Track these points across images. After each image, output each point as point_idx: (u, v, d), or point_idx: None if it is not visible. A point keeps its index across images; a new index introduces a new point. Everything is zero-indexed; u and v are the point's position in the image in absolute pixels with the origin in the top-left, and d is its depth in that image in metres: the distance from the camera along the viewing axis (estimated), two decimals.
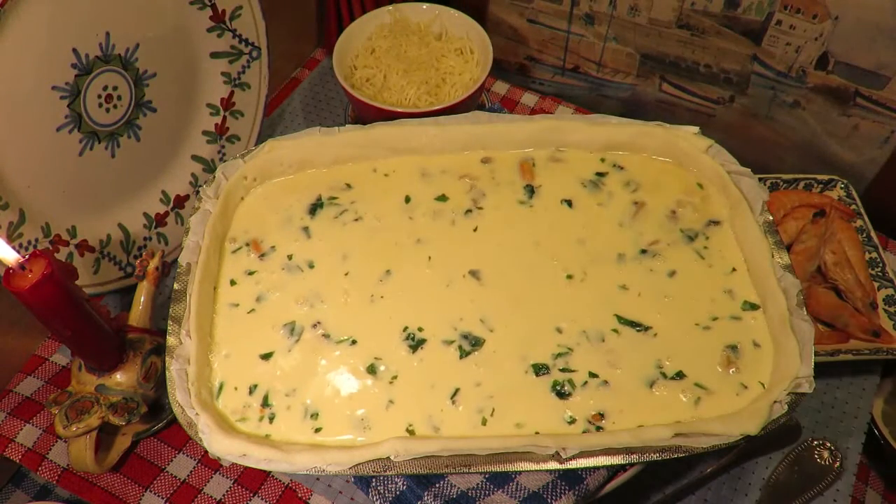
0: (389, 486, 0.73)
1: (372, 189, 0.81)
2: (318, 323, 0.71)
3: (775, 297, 0.68)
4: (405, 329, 0.71)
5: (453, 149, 0.82)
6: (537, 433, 0.64)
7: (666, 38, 1.08)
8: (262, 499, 0.80)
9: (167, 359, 0.66)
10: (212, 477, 0.81)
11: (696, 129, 0.80)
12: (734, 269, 0.73)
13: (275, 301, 0.73)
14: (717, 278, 0.73)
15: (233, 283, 0.74)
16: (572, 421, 0.65)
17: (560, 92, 1.24)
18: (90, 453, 0.75)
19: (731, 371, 0.67)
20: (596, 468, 0.69)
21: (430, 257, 0.75)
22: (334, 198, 0.80)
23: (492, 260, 0.75)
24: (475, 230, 0.77)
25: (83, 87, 0.78)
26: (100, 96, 0.80)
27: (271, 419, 0.66)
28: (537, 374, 0.68)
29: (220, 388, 0.68)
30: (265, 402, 0.67)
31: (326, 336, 0.71)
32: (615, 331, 0.70)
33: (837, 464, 0.81)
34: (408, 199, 0.79)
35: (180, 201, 0.94)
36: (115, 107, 0.82)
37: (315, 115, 1.14)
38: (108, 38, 0.78)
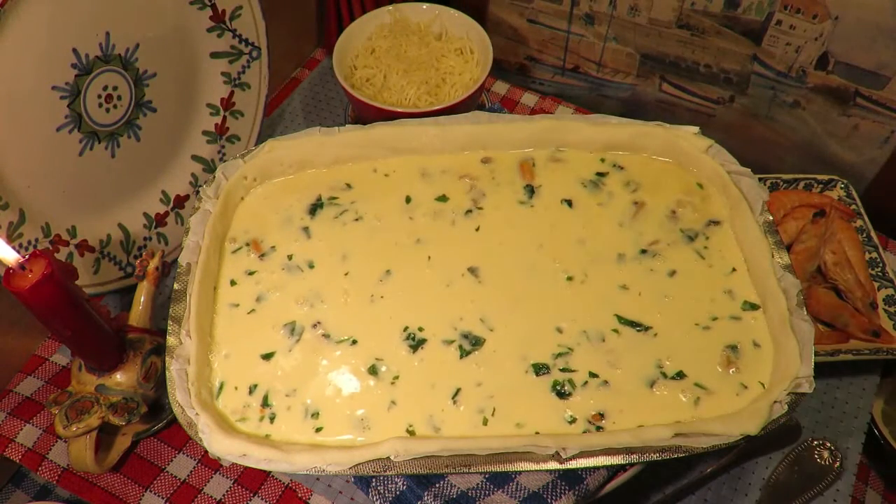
0: (389, 486, 0.73)
1: (372, 189, 0.81)
2: (318, 323, 0.71)
3: (775, 297, 0.68)
4: (405, 329, 0.71)
5: (453, 149, 0.82)
6: (537, 433, 0.64)
7: (666, 38, 1.08)
8: (262, 499, 0.80)
9: (167, 359, 0.66)
10: (212, 477, 0.81)
11: (696, 129, 0.80)
12: (734, 270, 0.73)
13: (275, 301, 0.73)
14: (717, 278, 0.73)
15: (233, 283, 0.74)
16: (572, 421, 0.65)
17: (560, 92, 1.24)
18: (90, 453, 0.75)
19: (731, 371, 0.67)
20: (596, 468, 0.69)
21: (429, 257, 0.75)
22: (334, 198, 0.80)
23: (492, 260, 0.75)
24: (476, 230, 0.77)
25: (83, 87, 0.78)
26: (100, 96, 0.80)
27: (272, 419, 0.66)
28: (537, 374, 0.68)
29: (220, 388, 0.68)
30: (265, 402, 0.67)
31: (326, 336, 0.71)
32: (615, 331, 0.70)
33: (837, 464, 0.81)
34: (408, 200, 0.79)
35: (180, 201, 0.94)
36: (115, 107, 0.82)
37: (315, 115, 1.14)
38: (108, 38, 0.78)
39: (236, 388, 0.68)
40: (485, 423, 0.65)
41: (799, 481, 0.81)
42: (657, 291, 0.72)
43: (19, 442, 0.82)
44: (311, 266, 0.75)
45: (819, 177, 0.99)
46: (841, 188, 0.98)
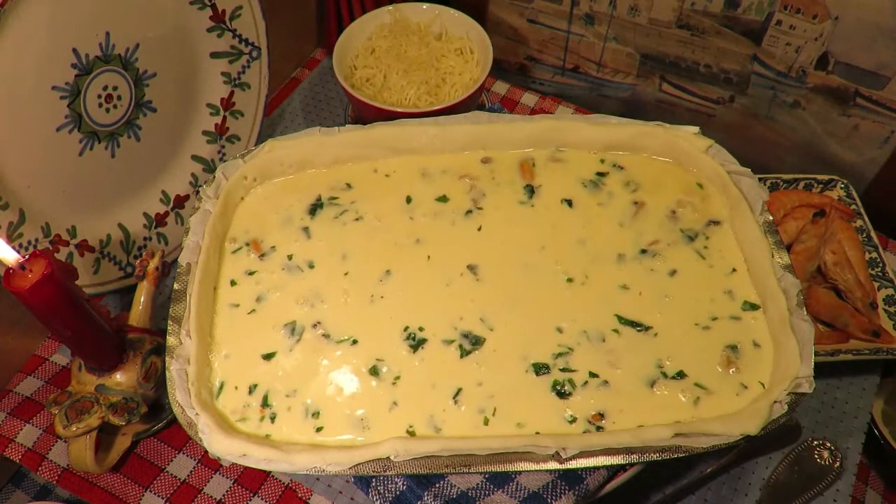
0: (389, 486, 0.73)
1: (372, 189, 0.81)
2: (319, 323, 0.71)
3: (775, 297, 0.68)
4: (406, 329, 0.71)
5: (453, 149, 0.82)
6: (537, 433, 0.64)
7: (666, 38, 1.08)
8: (262, 499, 0.80)
9: (167, 359, 0.66)
10: (212, 477, 0.81)
11: (696, 129, 0.80)
12: (734, 270, 0.73)
13: (275, 301, 0.73)
14: (718, 278, 0.73)
15: (233, 283, 0.74)
16: (573, 420, 0.65)
17: (560, 92, 1.24)
18: (90, 453, 0.75)
19: (731, 371, 0.67)
20: (596, 468, 0.69)
21: (429, 256, 0.75)
22: (334, 198, 0.80)
23: (492, 260, 0.75)
24: (476, 230, 0.77)
25: (83, 87, 0.78)
26: (100, 96, 0.80)
27: (272, 419, 0.66)
28: (538, 374, 0.68)
29: (220, 388, 0.68)
30: (265, 403, 0.67)
31: (327, 336, 0.71)
32: (615, 331, 0.70)
33: (837, 464, 0.81)
34: (409, 200, 0.79)
35: (180, 201, 0.94)
36: (115, 107, 0.82)
37: (315, 115, 1.14)
38: (108, 38, 0.78)
39: (236, 387, 0.68)
40: (486, 422, 0.65)
41: (799, 481, 0.81)
42: (657, 291, 0.72)
43: (19, 442, 0.82)
44: (311, 266, 0.75)
45: (819, 177, 0.99)
46: (841, 188, 0.98)
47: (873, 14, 0.92)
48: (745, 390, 0.66)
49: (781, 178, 0.99)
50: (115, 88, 0.81)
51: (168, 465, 0.82)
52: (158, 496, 0.80)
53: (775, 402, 0.62)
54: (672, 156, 0.81)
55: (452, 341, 0.70)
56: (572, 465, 0.61)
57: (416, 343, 0.70)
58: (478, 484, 0.72)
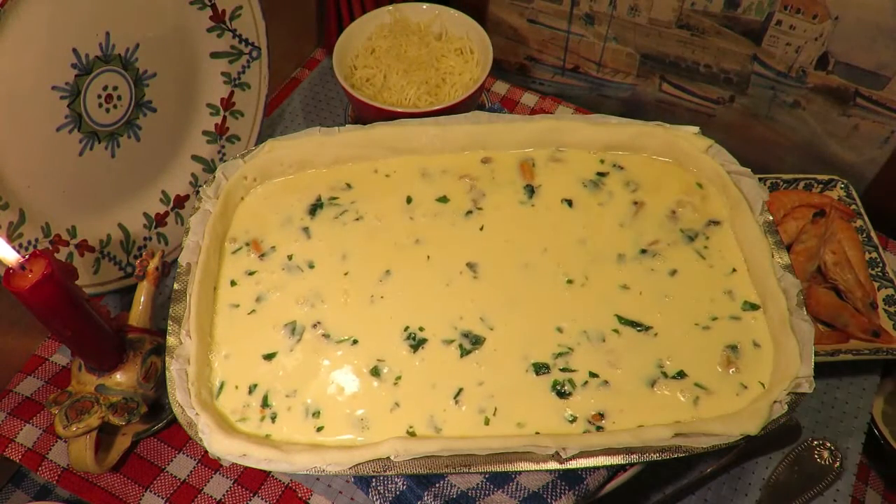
0: (389, 486, 0.73)
1: (372, 189, 0.81)
2: (319, 323, 0.71)
3: (775, 297, 0.68)
4: (406, 329, 0.71)
5: (453, 149, 0.82)
6: (537, 433, 0.64)
7: (666, 38, 1.08)
8: (262, 499, 0.80)
9: (167, 359, 0.66)
10: (212, 477, 0.81)
11: (696, 129, 0.80)
12: (734, 270, 0.73)
13: (275, 301, 0.73)
14: (718, 278, 0.73)
15: (233, 283, 0.74)
16: (573, 420, 0.65)
17: (560, 92, 1.24)
18: (90, 453, 0.75)
19: (731, 371, 0.67)
20: (596, 468, 0.69)
21: (428, 256, 0.75)
22: (334, 198, 0.80)
23: (491, 259, 0.75)
24: (476, 230, 0.77)
25: (83, 87, 0.78)
26: (100, 96, 0.80)
27: (273, 419, 0.66)
28: (538, 374, 0.68)
29: (221, 388, 0.68)
30: (265, 403, 0.67)
31: (327, 336, 0.71)
32: (615, 331, 0.70)
33: (837, 464, 0.81)
34: (409, 200, 0.79)
35: (180, 201, 0.94)
36: (115, 107, 0.82)
37: (315, 115, 1.14)
38: (108, 38, 0.78)
39: (236, 387, 0.68)
40: (486, 422, 0.65)
41: (799, 481, 0.81)
42: (657, 291, 0.72)
43: (19, 442, 0.82)
44: (311, 266, 0.75)
45: (819, 177, 0.99)
46: (841, 188, 0.98)
47: (873, 14, 0.92)
48: (745, 390, 0.66)
49: (781, 178, 0.99)
50: (115, 88, 0.81)
51: (168, 465, 0.82)
52: (158, 496, 0.80)
53: (775, 402, 0.62)
54: (672, 156, 0.81)
55: (452, 341, 0.70)
56: (572, 465, 0.61)
57: (417, 343, 0.70)
58: (478, 484, 0.72)
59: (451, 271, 0.74)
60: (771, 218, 0.72)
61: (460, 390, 0.67)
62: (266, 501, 0.80)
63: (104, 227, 0.87)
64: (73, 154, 0.80)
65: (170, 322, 0.68)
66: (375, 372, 0.68)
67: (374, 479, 0.74)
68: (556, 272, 0.74)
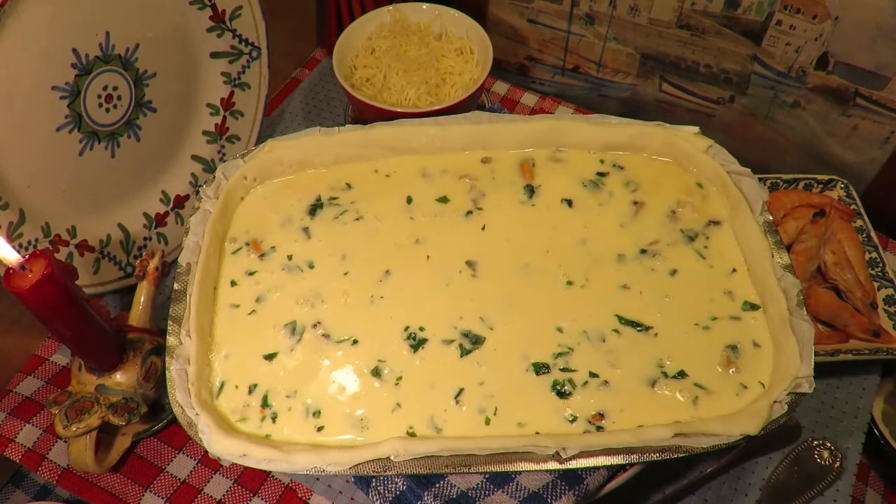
0: (389, 486, 0.73)
1: (372, 189, 0.81)
2: (319, 323, 0.71)
3: (775, 297, 0.68)
4: (406, 329, 0.71)
5: (453, 149, 0.82)
6: (537, 433, 0.64)
7: (666, 38, 1.08)
8: (262, 499, 0.80)
9: (167, 359, 0.66)
10: (212, 477, 0.81)
11: (696, 129, 0.80)
12: (734, 270, 0.73)
13: (275, 301, 0.73)
14: (718, 278, 0.73)
15: (233, 283, 0.74)
16: (573, 420, 0.65)
17: (560, 92, 1.24)
18: (90, 453, 0.75)
19: (731, 371, 0.67)
20: (596, 468, 0.69)
21: (428, 256, 0.75)
22: (334, 198, 0.80)
23: (491, 259, 0.75)
24: (476, 230, 0.77)
25: (83, 87, 0.78)
26: (100, 96, 0.80)
27: (273, 419, 0.66)
28: (538, 374, 0.68)
29: (221, 388, 0.68)
30: (265, 403, 0.67)
31: (326, 336, 0.71)
32: (616, 331, 0.70)
33: (837, 464, 0.81)
34: (409, 200, 0.79)
35: (180, 201, 0.94)
36: (115, 107, 0.82)
37: (315, 115, 1.14)
38: (108, 38, 0.78)
39: (236, 387, 0.68)
40: (487, 422, 0.65)
41: (799, 481, 0.81)
42: (657, 291, 0.72)
43: (19, 442, 0.82)
44: (311, 266, 0.75)
45: (819, 177, 0.99)
46: (841, 188, 0.98)
47: (873, 14, 0.92)
48: (745, 390, 0.66)
49: (781, 178, 0.99)
50: (115, 88, 0.81)
51: (168, 465, 0.82)
52: (158, 496, 0.80)
53: (775, 402, 0.62)
54: (672, 156, 0.81)
55: (452, 341, 0.70)
56: (572, 465, 0.61)
57: (417, 343, 0.70)
58: (478, 484, 0.72)
59: (450, 271, 0.74)
60: (771, 218, 0.72)
61: (461, 390, 0.67)
62: (266, 501, 0.80)
63: (104, 227, 0.87)
64: (73, 154, 0.80)
65: (170, 322, 0.68)
66: (376, 372, 0.68)
67: (374, 479, 0.74)
68: (556, 272, 0.74)
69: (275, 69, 0.99)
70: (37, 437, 0.83)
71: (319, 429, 0.65)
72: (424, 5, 1.03)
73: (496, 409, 0.66)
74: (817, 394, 0.88)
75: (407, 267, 0.75)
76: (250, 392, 0.68)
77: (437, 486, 0.72)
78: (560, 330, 0.70)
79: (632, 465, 0.71)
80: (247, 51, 0.94)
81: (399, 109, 0.90)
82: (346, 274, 0.75)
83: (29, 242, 0.77)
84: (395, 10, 1.03)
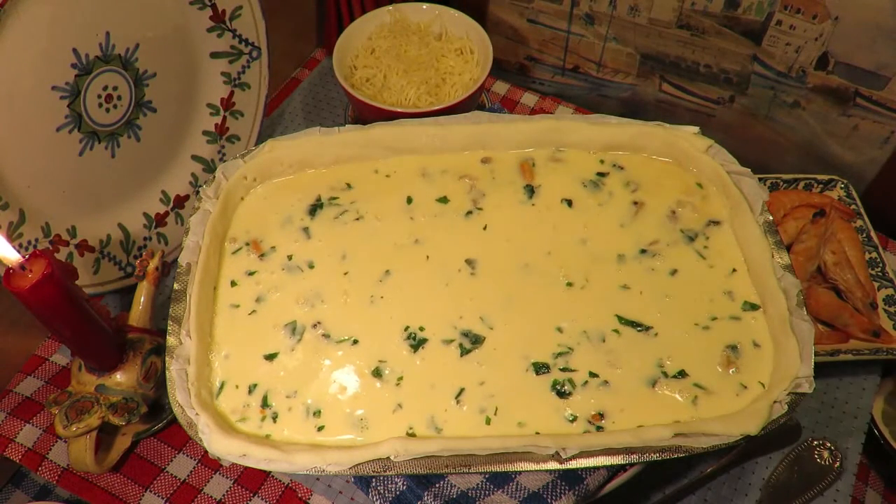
0: (389, 486, 0.73)
1: (372, 189, 0.81)
2: (319, 323, 0.71)
3: (775, 297, 0.68)
4: (406, 328, 0.71)
5: (453, 149, 0.82)
6: (537, 433, 0.64)
7: (666, 39, 1.08)
8: (262, 499, 0.80)
9: (167, 359, 0.66)
10: (212, 477, 0.81)
11: (696, 129, 0.80)
12: (734, 270, 0.73)
13: (275, 301, 0.73)
14: (718, 278, 0.73)
15: (233, 283, 0.74)
16: (573, 419, 0.65)
17: (560, 92, 1.24)
18: (90, 453, 0.75)
19: (731, 371, 0.67)
20: (596, 468, 0.69)
21: (427, 256, 0.75)
22: (335, 198, 0.80)
23: (491, 259, 0.75)
24: (476, 230, 0.77)
25: (83, 87, 0.78)
26: (100, 96, 0.80)
27: (274, 418, 0.66)
28: (538, 373, 0.68)
29: (221, 388, 0.68)
30: (265, 403, 0.67)
31: (326, 336, 0.71)
32: (616, 331, 0.70)
33: (837, 464, 0.81)
34: (409, 200, 0.79)
35: (180, 201, 0.94)
36: (115, 107, 0.82)
37: (315, 115, 1.14)
38: (108, 38, 0.78)
39: (237, 387, 0.68)
40: (488, 422, 0.65)
41: (799, 481, 0.81)
42: (657, 291, 0.72)
43: (19, 442, 0.82)
44: (311, 266, 0.75)
45: (819, 177, 0.99)
46: (841, 188, 0.98)
47: (873, 14, 0.92)
48: (745, 390, 0.66)
49: (781, 178, 0.99)
50: (115, 88, 0.81)
51: (168, 465, 0.82)
52: (158, 496, 0.80)
53: (775, 402, 0.62)
54: (672, 156, 0.81)
55: (452, 341, 0.70)
56: (572, 465, 0.61)
57: (417, 343, 0.70)
58: (478, 484, 0.72)
59: (450, 271, 0.74)
60: (771, 218, 0.72)
61: (462, 390, 0.67)
62: (266, 501, 0.80)
63: (104, 227, 0.87)
64: (73, 154, 0.80)
65: (170, 322, 0.68)
66: (377, 373, 0.68)
67: (374, 479, 0.74)
68: (556, 272, 0.74)
69: (275, 69, 0.99)
70: (37, 437, 0.83)
71: (319, 429, 0.65)
72: (424, 5, 1.03)
73: (496, 408, 0.66)
74: (817, 394, 0.88)
75: (407, 267, 0.75)
76: (250, 392, 0.68)
77: (437, 486, 0.72)
78: (560, 330, 0.70)
79: (632, 465, 0.71)
80: (247, 51, 0.94)
81: (399, 109, 0.90)
82: (346, 274, 0.75)
83: (29, 242, 0.77)
84: (395, 10, 1.03)
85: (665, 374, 0.67)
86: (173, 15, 0.85)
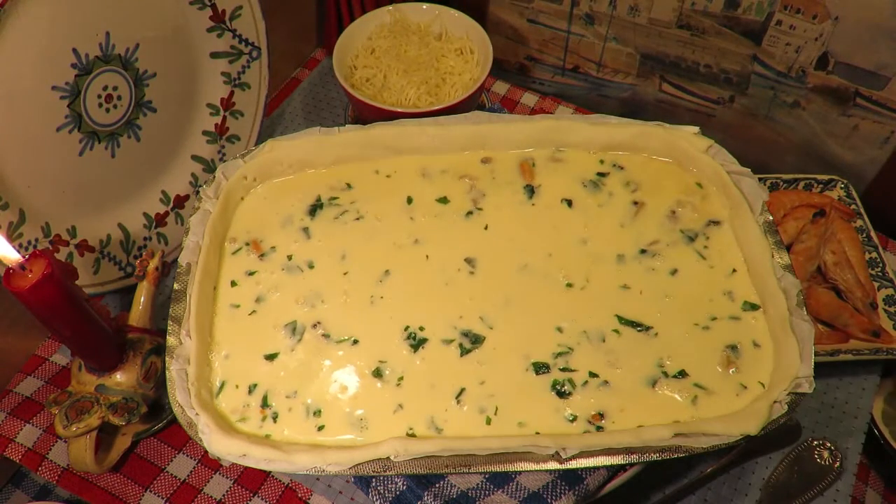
0: (389, 486, 0.73)
1: (372, 189, 0.81)
2: (319, 323, 0.71)
3: (775, 297, 0.68)
4: (406, 328, 0.71)
5: (453, 149, 0.82)
6: (537, 433, 0.64)
7: (666, 39, 1.08)
8: (262, 499, 0.80)
9: (167, 359, 0.66)
10: (212, 477, 0.81)
11: (696, 129, 0.80)
12: (734, 270, 0.73)
13: (275, 301, 0.73)
14: (718, 278, 0.73)
15: (233, 283, 0.74)
16: (573, 419, 0.65)
17: (560, 92, 1.24)
18: (90, 453, 0.75)
19: (731, 371, 0.67)
20: (596, 468, 0.69)
21: (427, 256, 0.75)
22: (335, 198, 0.80)
23: (491, 259, 0.75)
24: (476, 230, 0.77)
25: (83, 87, 0.78)
26: (100, 96, 0.80)
27: (275, 418, 0.66)
28: (537, 373, 0.68)
29: (221, 388, 0.68)
30: (264, 403, 0.67)
31: (326, 336, 0.71)
32: (616, 331, 0.70)
33: (837, 464, 0.81)
34: (409, 200, 0.79)
35: (180, 201, 0.94)
36: (115, 107, 0.82)
37: (315, 115, 1.14)
38: (108, 38, 0.78)
39: (237, 387, 0.68)
40: (488, 422, 0.65)
41: (799, 481, 0.81)
42: (658, 291, 0.72)
43: (19, 442, 0.82)
44: (311, 266, 0.75)
45: (819, 177, 0.99)
46: (841, 188, 0.98)
47: (873, 14, 0.92)
48: (745, 390, 0.66)
49: (781, 178, 0.99)
50: (115, 88, 0.81)
51: (168, 465, 0.82)
52: (158, 496, 0.80)
53: (775, 402, 0.62)
54: (672, 156, 0.81)
55: (452, 340, 0.70)
56: (572, 465, 0.61)
57: (417, 343, 0.70)
58: (478, 484, 0.72)
59: (450, 271, 0.74)
60: (771, 218, 0.72)
61: (462, 390, 0.67)
62: (266, 501, 0.80)
63: (104, 227, 0.87)
64: (73, 154, 0.80)
65: (170, 322, 0.68)
66: (378, 373, 0.68)
67: (374, 479, 0.74)
68: (556, 272, 0.74)
69: (275, 69, 0.99)
70: (37, 437, 0.83)
71: (319, 429, 0.65)
72: (424, 5, 1.03)
73: (497, 408, 0.66)
74: (817, 394, 0.88)
75: (407, 267, 0.75)
76: (250, 392, 0.68)
77: (437, 486, 0.72)
78: (560, 330, 0.70)
79: (632, 465, 0.71)
80: (247, 51, 0.94)
81: (399, 109, 0.90)
82: (345, 274, 0.75)
83: (29, 242, 0.77)
84: (395, 10, 1.03)
85: (665, 374, 0.67)
86: (173, 15, 0.85)
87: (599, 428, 0.65)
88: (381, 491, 0.73)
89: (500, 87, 1.18)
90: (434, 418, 0.66)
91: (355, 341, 0.70)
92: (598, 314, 0.71)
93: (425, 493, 0.72)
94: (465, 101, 0.92)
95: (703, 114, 1.16)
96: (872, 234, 0.94)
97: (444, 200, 0.79)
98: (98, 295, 0.86)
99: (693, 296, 0.72)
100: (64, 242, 0.82)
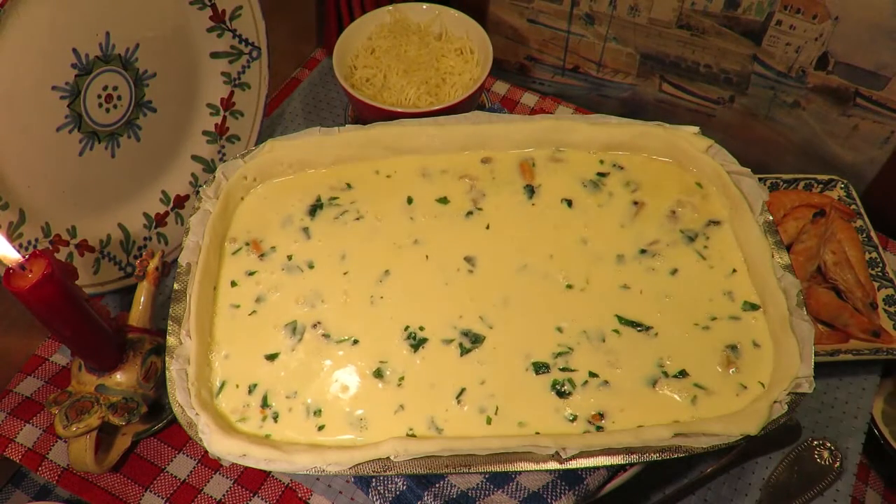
0: (389, 486, 0.73)
1: (372, 189, 0.81)
2: (319, 323, 0.71)
3: (775, 297, 0.68)
4: (406, 328, 0.71)
5: (453, 149, 0.82)
6: (537, 433, 0.64)
7: (666, 39, 1.08)
8: (262, 499, 0.80)
9: (167, 359, 0.66)
10: (212, 477, 0.81)
11: (696, 129, 0.80)
12: (734, 270, 0.73)
13: (275, 301, 0.73)
14: (718, 278, 0.73)
15: (233, 283, 0.74)
16: (573, 419, 0.65)
17: (560, 92, 1.24)
18: (90, 453, 0.75)
19: (731, 371, 0.67)
20: (596, 468, 0.69)
21: (427, 256, 0.75)
22: (335, 198, 0.80)
23: (491, 259, 0.75)
24: (475, 231, 0.77)
25: (83, 87, 0.78)
26: (100, 96, 0.80)
27: (275, 418, 0.66)
28: (537, 373, 0.68)
29: (221, 388, 0.68)
30: (265, 403, 0.67)
31: (327, 336, 0.71)
32: (616, 331, 0.70)
33: (837, 464, 0.81)
34: (410, 201, 0.79)
35: (180, 201, 0.94)
36: (115, 107, 0.82)
37: (315, 115, 1.14)
38: (108, 38, 0.78)
39: (237, 387, 0.68)
40: (488, 422, 0.65)
41: (799, 481, 0.81)
42: (658, 291, 0.72)
43: (19, 442, 0.82)
44: (311, 266, 0.75)
45: (819, 177, 0.99)
46: (841, 188, 0.98)
47: (873, 14, 0.92)
48: (745, 390, 0.66)
49: (781, 178, 0.99)
50: (115, 88, 0.81)
51: (168, 465, 0.82)
52: (158, 496, 0.80)
53: (775, 402, 0.62)
54: (672, 156, 0.81)
55: (452, 340, 0.70)
56: (572, 465, 0.61)
57: (417, 343, 0.70)
58: (478, 484, 0.72)
59: (450, 270, 0.74)
60: (771, 218, 0.72)
61: (462, 390, 0.67)
62: (266, 501, 0.80)
63: (104, 227, 0.87)
64: (73, 154, 0.80)
65: (170, 322, 0.68)
66: (378, 373, 0.68)
67: (374, 479, 0.74)
68: (556, 272, 0.74)
69: (275, 69, 0.99)
70: (37, 437, 0.83)
71: (320, 429, 0.65)
72: (424, 5, 1.03)
73: (497, 408, 0.66)
74: (817, 394, 0.88)
75: (407, 267, 0.75)
76: (250, 392, 0.68)
77: (437, 486, 0.72)
78: (560, 329, 0.70)
79: (632, 465, 0.71)
80: (247, 51, 0.94)
81: (399, 109, 0.90)
82: (345, 274, 0.75)
83: (29, 242, 0.77)
84: (395, 10, 1.03)
85: (665, 374, 0.67)
86: (173, 15, 0.85)
87: (599, 428, 0.65)
88: (381, 491, 0.73)
89: (500, 87, 1.18)
90: (434, 418, 0.66)
91: (355, 341, 0.70)
92: (598, 314, 0.71)
93: (425, 493, 0.72)
94: (465, 101, 0.92)
95: (703, 114, 1.16)
96: (872, 234, 0.94)
97: (444, 200, 0.79)
98: (98, 295, 0.86)
99: (693, 296, 0.72)
100: (64, 242, 0.82)
